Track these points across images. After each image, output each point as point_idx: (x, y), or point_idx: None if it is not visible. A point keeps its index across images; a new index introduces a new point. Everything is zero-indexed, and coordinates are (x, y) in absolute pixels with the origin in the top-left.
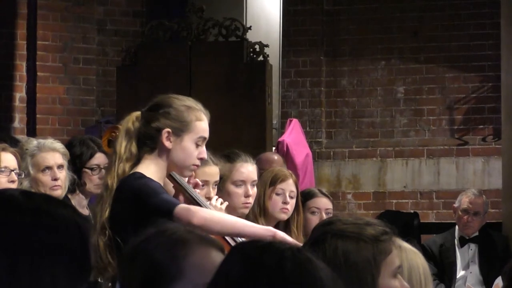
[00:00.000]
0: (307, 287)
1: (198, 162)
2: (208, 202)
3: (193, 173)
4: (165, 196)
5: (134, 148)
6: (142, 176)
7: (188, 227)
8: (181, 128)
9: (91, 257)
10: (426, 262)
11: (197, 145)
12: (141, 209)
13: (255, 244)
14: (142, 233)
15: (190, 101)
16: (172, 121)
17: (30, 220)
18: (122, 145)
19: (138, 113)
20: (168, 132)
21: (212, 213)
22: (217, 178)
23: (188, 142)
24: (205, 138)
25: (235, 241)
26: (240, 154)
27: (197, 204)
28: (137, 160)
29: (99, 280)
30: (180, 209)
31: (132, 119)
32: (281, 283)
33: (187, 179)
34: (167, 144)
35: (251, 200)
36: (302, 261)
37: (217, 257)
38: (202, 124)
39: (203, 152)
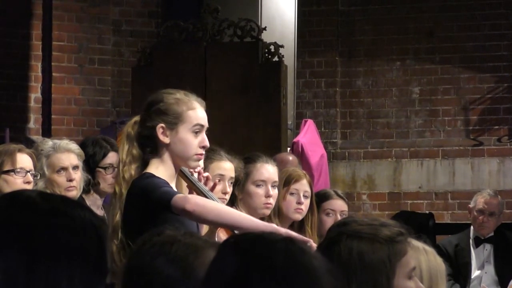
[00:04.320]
0: (301, 277)
1: (201, 151)
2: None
3: (201, 166)
4: (165, 189)
5: (135, 150)
6: (151, 175)
7: (185, 231)
8: (173, 121)
9: (108, 259)
10: (439, 260)
11: (196, 134)
12: (147, 207)
13: (247, 237)
14: (142, 247)
15: (180, 93)
16: (163, 116)
17: (47, 221)
18: (124, 150)
19: (137, 117)
20: (162, 127)
21: (208, 201)
22: (233, 174)
23: (184, 133)
24: (201, 126)
25: None
26: (261, 156)
27: (206, 198)
28: (144, 163)
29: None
30: (177, 197)
31: (131, 124)
32: (275, 275)
33: (197, 175)
34: (164, 139)
35: (271, 200)
36: (295, 252)
37: None
38: (195, 112)
39: (204, 140)
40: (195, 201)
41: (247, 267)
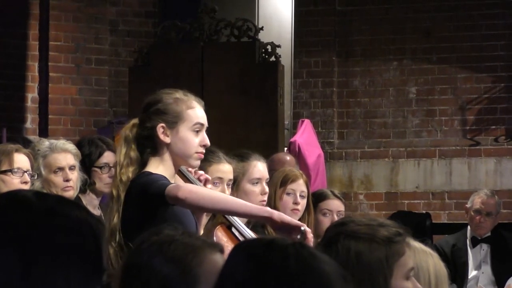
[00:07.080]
0: (313, 282)
1: (201, 150)
2: None
3: (198, 169)
4: (161, 182)
5: (133, 153)
6: (150, 173)
7: (183, 231)
8: (173, 120)
9: (104, 258)
10: (441, 264)
11: (196, 133)
12: (145, 203)
13: (259, 243)
14: (140, 246)
15: (178, 93)
16: (163, 116)
17: (44, 221)
18: (121, 153)
19: (135, 120)
20: (163, 127)
21: (201, 188)
22: (231, 176)
23: (184, 131)
24: (202, 124)
25: (243, 236)
26: (253, 153)
27: None
28: (142, 164)
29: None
30: (170, 187)
31: (130, 127)
32: (287, 280)
33: (195, 175)
34: (165, 139)
35: (266, 198)
36: (306, 256)
37: (221, 259)
38: (194, 111)
39: (205, 139)
40: (188, 189)
41: (260, 272)
